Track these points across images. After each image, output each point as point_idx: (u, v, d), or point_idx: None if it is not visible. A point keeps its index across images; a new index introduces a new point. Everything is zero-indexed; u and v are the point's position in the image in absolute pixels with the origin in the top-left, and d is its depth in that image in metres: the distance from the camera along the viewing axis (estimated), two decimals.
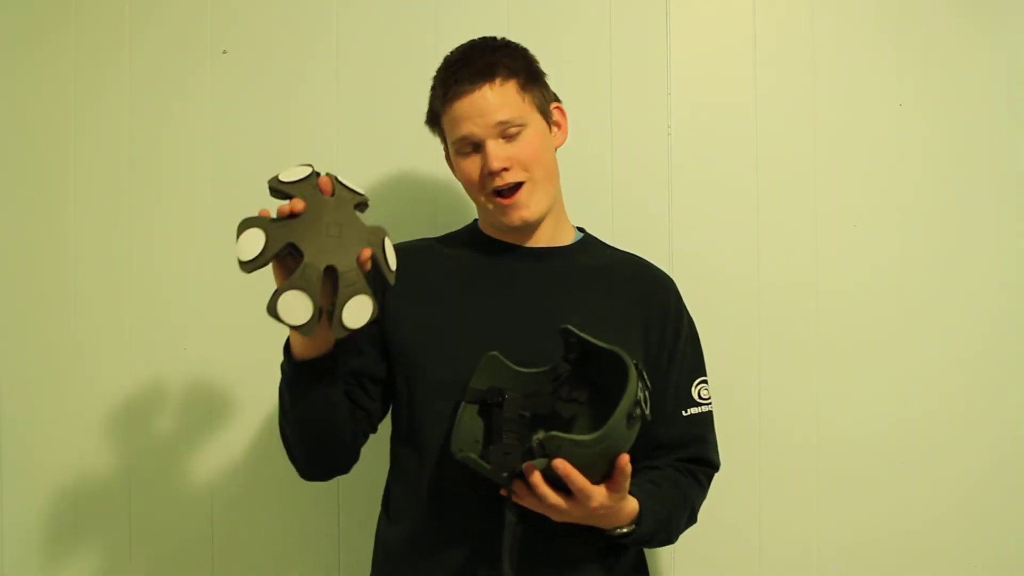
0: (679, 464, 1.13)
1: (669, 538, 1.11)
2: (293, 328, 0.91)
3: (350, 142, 1.49)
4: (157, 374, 1.50)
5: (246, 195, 1.47)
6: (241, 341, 1.48)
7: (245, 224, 0.92)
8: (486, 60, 1.09)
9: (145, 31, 1.52)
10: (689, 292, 1.20)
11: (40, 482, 1.52)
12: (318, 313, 0.90)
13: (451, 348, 1.09)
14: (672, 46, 1.48)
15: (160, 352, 1.50)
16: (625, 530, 1.02)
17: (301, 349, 1.00)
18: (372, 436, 1.16)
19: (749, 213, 1.47)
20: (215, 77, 1.51)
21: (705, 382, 1.17)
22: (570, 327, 1.01)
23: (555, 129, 1.16)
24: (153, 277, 1.51)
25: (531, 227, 1.14)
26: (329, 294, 0.92)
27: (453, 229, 1.25)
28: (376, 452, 1.18)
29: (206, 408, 1.49)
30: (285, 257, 0.93)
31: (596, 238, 1.23)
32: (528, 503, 0.96)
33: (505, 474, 0.93)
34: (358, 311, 0.92)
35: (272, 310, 0.89)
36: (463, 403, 1.04)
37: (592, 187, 1.45)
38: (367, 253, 0.93)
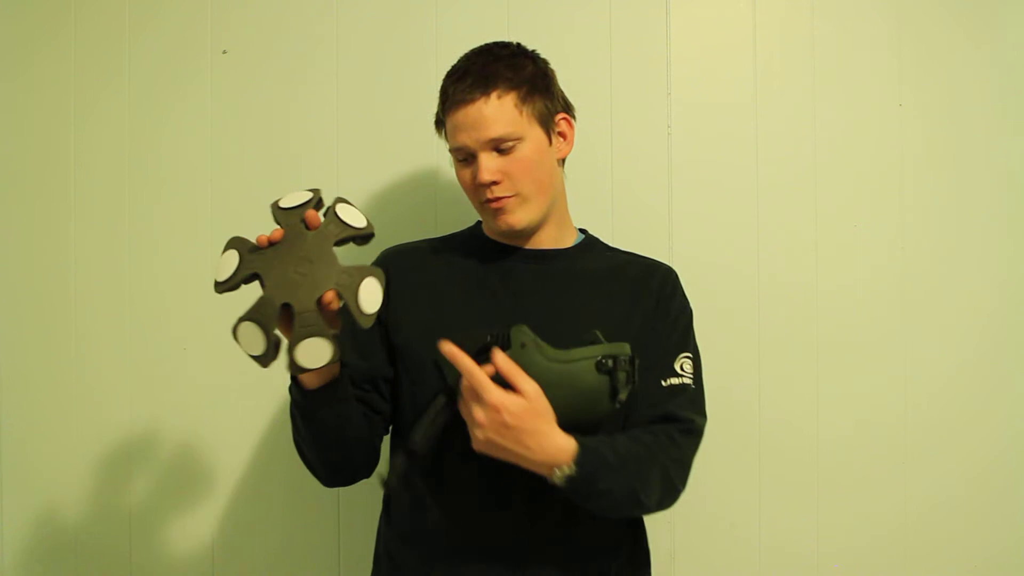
0: (647, 426, 1.07)
1: (635, 496, 1.01)
2: (250, 357, 0.91)
3: (350, 142, 1.49)
4: (157, 374, 1.50)
5: (246, 195, 1.48)
6: None
7: (228, 244, 0.93)
8: (487, 71, 1.07)
9: (145, 31, 1.52)
10: (689, 292, 1.19)
11: (40, 482, 1.52)
12: (273, 347, 0.90)
13: None
14: (672, 46, 1.48)
15: (160, 353, 1.50)
16: (567, 471, 0.95)
17: (307, 378, 0.99)
18: None
19: (749, 213, 1.47)
20: (215, 77, 1.51)
21: (690, 358, 1.12)
22: (598, 332, 1.01)
23: (559, 140, 1.14)
24: (153, 278, 1.51)
25: (528, 231, 1.13)
26: (287, 331, 0.91)
27: (454, 229, 1.25)
28: None
29: (206, 408, 1.50)
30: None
31: (598, 240, 1.23)
32: (465, 410, 0.97)
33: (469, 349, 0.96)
34: (313, 353, 0.89)
35: (234, 335, 0.91)
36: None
37: (592, 187, 1.45)
38: (329, 296, 0.90)
